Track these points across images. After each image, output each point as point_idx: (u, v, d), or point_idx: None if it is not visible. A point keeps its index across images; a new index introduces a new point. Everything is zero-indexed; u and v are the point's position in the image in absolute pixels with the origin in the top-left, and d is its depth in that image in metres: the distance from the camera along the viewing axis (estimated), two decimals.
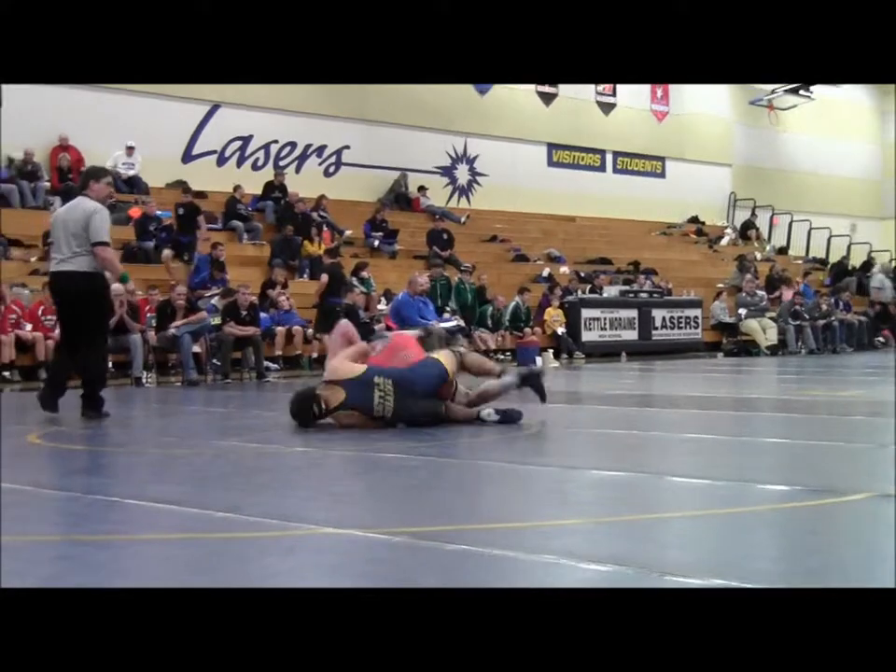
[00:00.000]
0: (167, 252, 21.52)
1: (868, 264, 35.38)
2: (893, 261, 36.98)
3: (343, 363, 9.62)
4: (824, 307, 28.48)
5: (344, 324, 10.51)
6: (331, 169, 28.96)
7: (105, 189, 11.19)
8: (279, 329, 19.68)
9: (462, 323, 21.90)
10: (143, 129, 24.60)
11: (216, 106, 26.57)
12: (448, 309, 22.44)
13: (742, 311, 27.20)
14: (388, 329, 20.15)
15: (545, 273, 27.76)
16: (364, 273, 22.88)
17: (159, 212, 22.87)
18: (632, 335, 26.26)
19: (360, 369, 9.44)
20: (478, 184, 31.70)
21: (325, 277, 21.20)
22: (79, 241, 10.70)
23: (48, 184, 23.18)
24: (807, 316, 27.77)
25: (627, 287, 27.51)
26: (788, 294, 28.60)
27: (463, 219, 29.52)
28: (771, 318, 27.04)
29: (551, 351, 23.48)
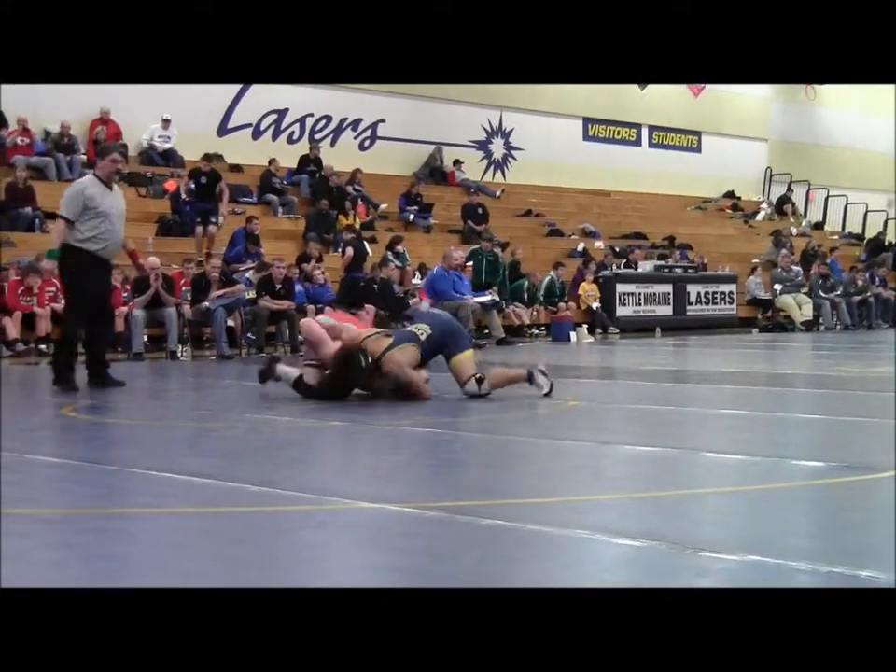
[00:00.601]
0: (200, 230, 21.50)
1: None
2: None
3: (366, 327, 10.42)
4: (860, 283, 28.30)
5: (315, 324, 10.48)
6: (366, 143, 28.93)
7: (110, 166, 11.53)
8: (310, 307, 19.55)
9: (497, 297, 21.86)
10: (179, 102, 24.60)
11: None
12: (493, 288, 22.24)
13: (777, 286, 27.05)
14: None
15: (580, 247, 27.67)
16: (399, 248, 22.85)
17: (194, 185, 22.89)
18: (666, 310, 26.14)
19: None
20: (513, 158, 31.62)
21: (349, 252, 21.24)
22: None
23: (84, 157, 23.22)
24: (839, 290, 27.61)
25: (662, 262, 27.36)
26: (819, 269, 28.41)
27: (498, 194, 29.46)
28: (806, 294, 26.90)
29: (585, 326, 23.43)
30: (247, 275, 19.44)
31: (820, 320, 27.15)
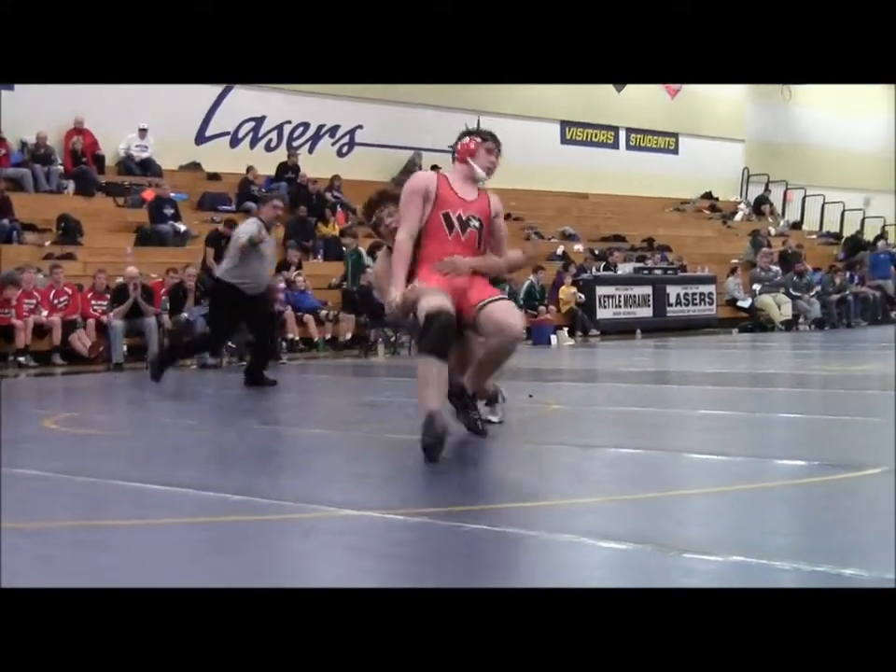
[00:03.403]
0: None
1: (881, 238, 34.99)
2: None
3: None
4: (838, 281, 28.38)
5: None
6: (345, 149, 28.91)
7: (271, 212, 13.04)
8: (287, 314, 19.37)
9: None
10: (156, 111, 24.56)
11: (228, 87, 26.49)
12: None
13: (757, 286, 27.12)
14: None
15: (559, 251, 27.68)
16: (379, 253, 22.79)
17: (173, 194, 22.85)
18: (646, 312, 26.19)
19: None
20: None
21: None
22: None
23: (61, 167, 23.16)
24: (814, 291, 27.65)
25: (641, 264, 27.43)
26: (802, 267, 28.39)
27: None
28: (785, 293, 26.95)
29: (565, 329, 23.45)
30: None
31: (799, 319, 27.19)
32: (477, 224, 7.25)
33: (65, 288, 18.38)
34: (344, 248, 21.94)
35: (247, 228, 12.54)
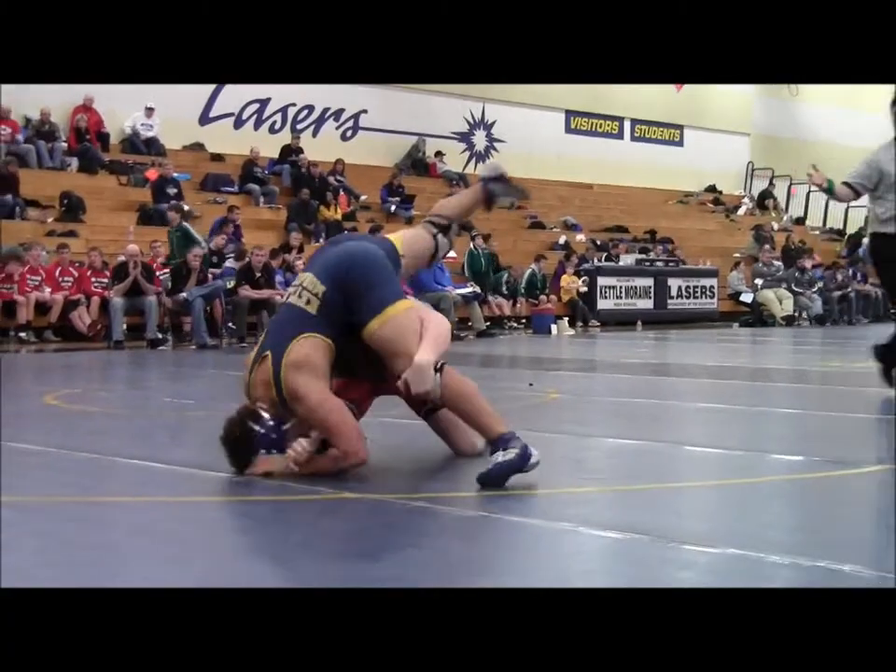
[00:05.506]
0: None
1: None
2: None
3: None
4: (840, 278, 28.38)
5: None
6: (348, 133, 28.90)
7: None
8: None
9: (478, 289, 21.85)
10: (161, 90, 24.52)
11: None
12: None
13: (759, 281, 27.12)
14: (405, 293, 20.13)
15: (561, 240, 27.66)
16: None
17: (176, 174, 22.83)
18: (647, 304, 26.19)
19: None
20: (495, 150, 31.58)
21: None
22: None
23: (65, 144, 23.15)
24: (816, 287, 27.62)
25: (643, 256, 27.42)
26: (807, 264, 28.32)
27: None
28: (787, 289, 26.95)
29: (566, 319, 23.46)
30: (227, 264, 19.39)
31: (803, 314, 27.18)
32: None
33: (70, 269, 18.41)
34: (169, 225, 20.17)
35: (880, 152, 9.88)
